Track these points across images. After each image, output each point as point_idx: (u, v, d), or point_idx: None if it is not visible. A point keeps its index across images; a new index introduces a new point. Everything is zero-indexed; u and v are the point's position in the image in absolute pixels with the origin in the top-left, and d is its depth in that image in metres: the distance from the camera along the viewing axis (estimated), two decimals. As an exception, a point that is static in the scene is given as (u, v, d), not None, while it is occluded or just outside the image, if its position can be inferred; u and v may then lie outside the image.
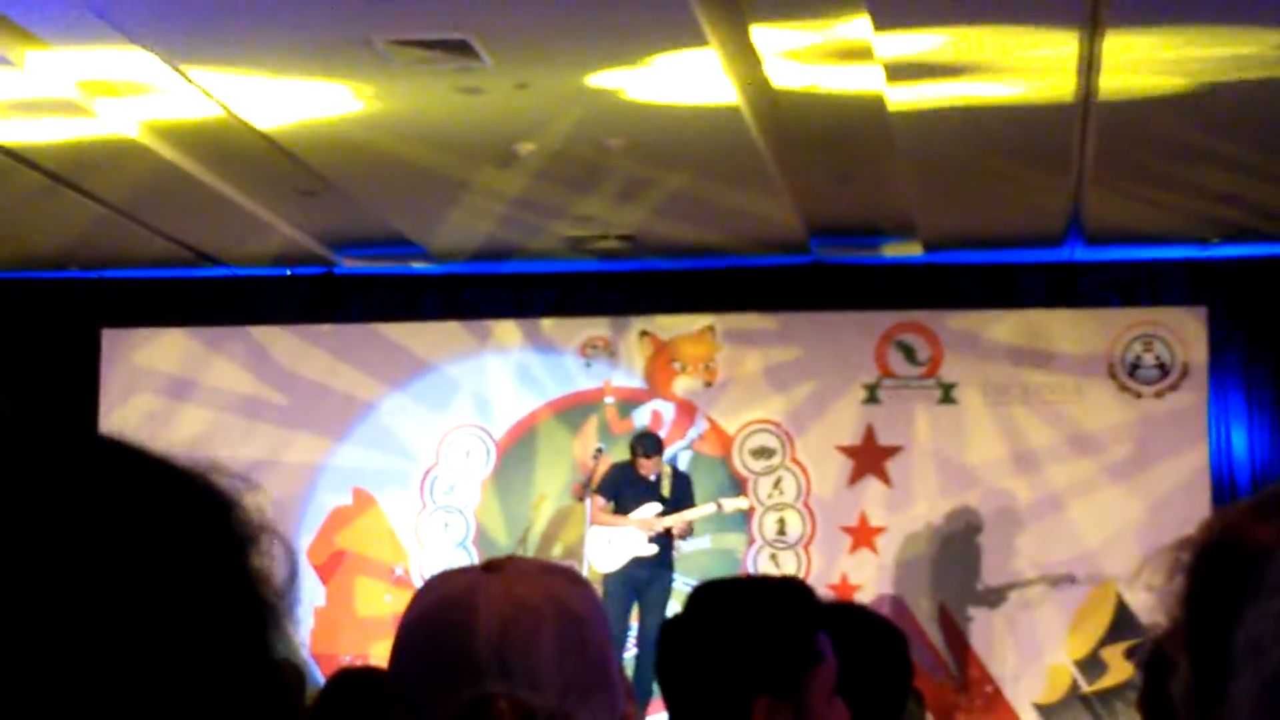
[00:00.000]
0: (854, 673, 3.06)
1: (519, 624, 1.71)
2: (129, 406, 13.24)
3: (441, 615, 1.75)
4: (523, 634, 1.71)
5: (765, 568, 12.37)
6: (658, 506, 11.50)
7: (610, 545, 11.43)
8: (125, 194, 11.26)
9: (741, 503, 12.12)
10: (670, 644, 2.59)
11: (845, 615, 3.42)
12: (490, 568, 1.78)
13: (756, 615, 2.54)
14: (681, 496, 11.61)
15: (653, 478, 11.57)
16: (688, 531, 11.59)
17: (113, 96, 9.41)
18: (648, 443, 11.73)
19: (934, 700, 11.95)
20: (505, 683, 1.70)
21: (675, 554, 11.69)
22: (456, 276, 13.16)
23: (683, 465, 12.67)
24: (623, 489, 11.57)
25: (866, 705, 3.18)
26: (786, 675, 2.49)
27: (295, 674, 6.98)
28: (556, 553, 12.46)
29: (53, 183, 10.88)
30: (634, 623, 11.50)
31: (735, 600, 2.60)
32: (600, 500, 11.60)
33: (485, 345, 13.12)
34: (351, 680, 4.47)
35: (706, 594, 2.65)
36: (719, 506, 11.78)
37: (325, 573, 13.03)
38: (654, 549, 11.43)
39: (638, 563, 11.39)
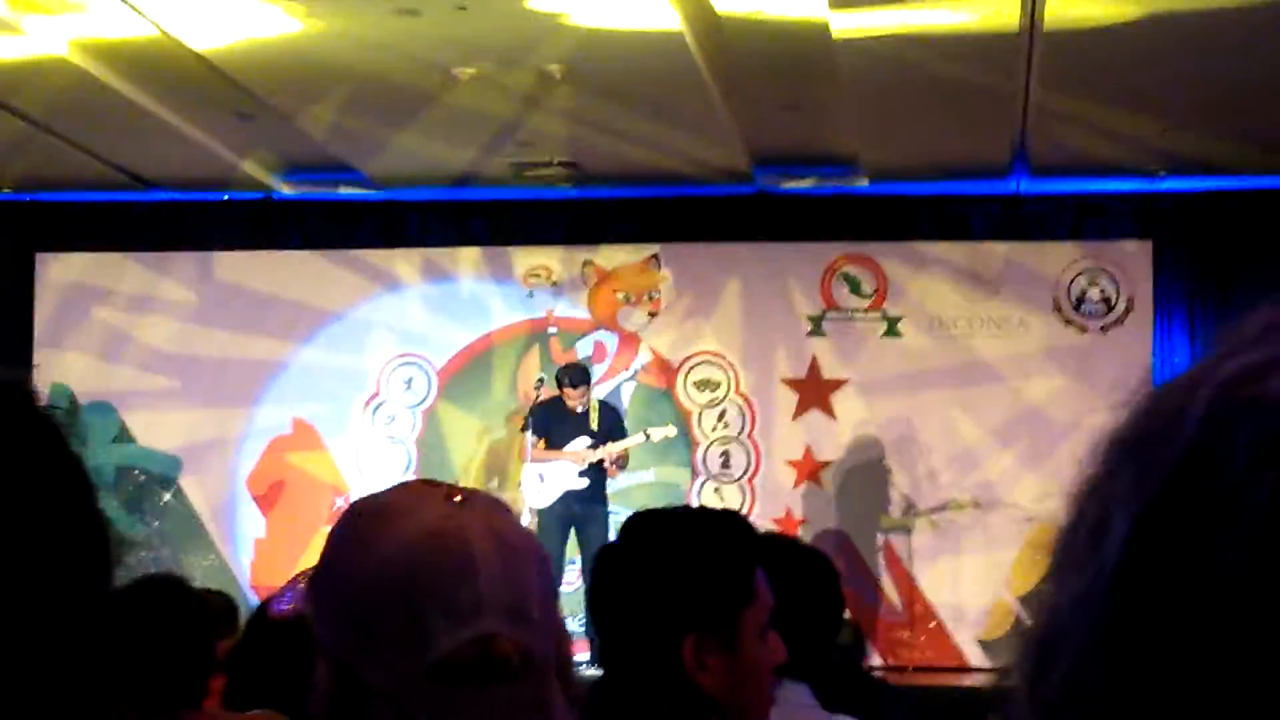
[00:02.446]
0: (785, 604, 2.99)
1: (513, 562, 1.66)
2: (62, 331, 13.10)
3: (433, 548, 1.66)
4: (517, 573, 1.66)
5: (709, 501, 12.31)
6: (587, 440, 11.44)
7: (543, 481, 11.37)
8: (57, 115, 11.08)
9: (670, 431, 12.03)
10: (602, 573, 2.50)
11: (776, 547, 3.35)
12: (456, 499, 1.70)
13: (692, 547, 2.45)
14: (611, 428, 11.55)
15: (580, 410, 11.50)
16: (622, 463, 11.53)
17: (43, 14, 9.22)
18: (574, 374, 11.67)
19: (878, 635, 11.97)
20: (504, 621, 1.64)
21: (610, 486, 11.64)
22: (397, 203, 13.03)
23: (626, 397, 12.61)
24: (552, 425, 11.50)
25: (797, 636, 3.11)
26: (719, 611, 2.41)
27: (226, 605, 6.89)
28: (495, 485, 12.38)
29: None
30: (576, 557, 11.44)
31: (671, 531, 2.51)
32: (531, 437, 11.52)
33: (426, 274, 13.01)
34: (272, 626, 4.36)
35: (642, 524, 2.55)
36: (647, 436, 11.73)
37: (265, 504, 12.95)
38: (586, 482, 11.37)
39: (571, 497, 11.33)
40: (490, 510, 1.70)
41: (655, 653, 2.37)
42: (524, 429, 11.61)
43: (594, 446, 11.42)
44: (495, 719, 1.61)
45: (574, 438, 11.45)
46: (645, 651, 2.38)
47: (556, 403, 11.56)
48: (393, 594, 1.64)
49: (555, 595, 1.74)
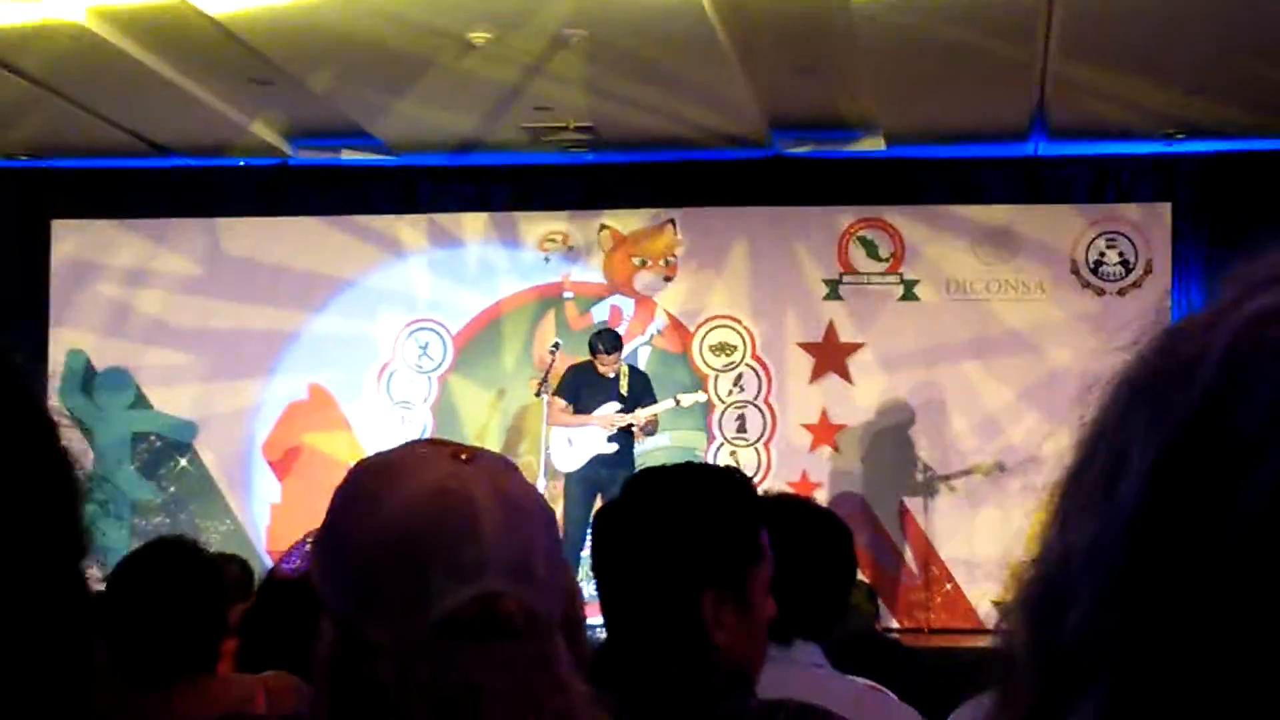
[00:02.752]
0: (798, 565, 2.98)
1: (518, 521, 1.65)
2: (78, 298, 13.11)
3: (437, 506, 1.65)
4: (522, 531, 1.65)
5: (725, 465, 12.29)
6: (617, 405, 11.41)
7: (571, 445, 11.35)
8: (74, 81, 11.07)
9: (700, 397, 12.05)
10: (609, 531, 2.49)
11: (788, 508, 3.34)
12: (465, 459, 1.69)
13: (705, 504, 2.44)
14: (641, 394, 11.51)
15: (611, 376, 11.46)
16: (651, 428, 11.51)
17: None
18: (607, 339, 11.61)
19: (893, 598, 11.97)
20: (508, 580, 1.63)
21: (637, 452, 11.63)
22: (412, 169, 13.01)
23: (642, 361, 12.60)
24: (581, 389, 11.47)
25: (808, 596, 3.10)
26: (733, 568, 2.40)
27: (240, 569, 6.91)
28: (521, 449, 12.39)
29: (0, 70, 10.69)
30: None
31: (681, 489, 2.49)
32: (560, 402, 11.49)
33: (442, 239, 13.00)
34: (282, 587, 4.36)
35: (648, 482, 2.53)
36: (677, 402, 11.69)
37: (281, 469, 12.96)
38: (614, 447, 11.34)
39: (599, 461, 11.30)
40: (496, 469, 1.69)
41: (669, 609, 2.36)
42: (548, 387, 11.56)
43: (623, 412, 11.39)
44: (498, 676, 1.60)
45: (603, 402, 11.42)
46: (658, 608, 2.37)
47: (587, 367, 11.52)
48: (396, 552, 1.63)
49: (562, 555, 1.72)
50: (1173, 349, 0.73)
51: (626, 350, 12.49)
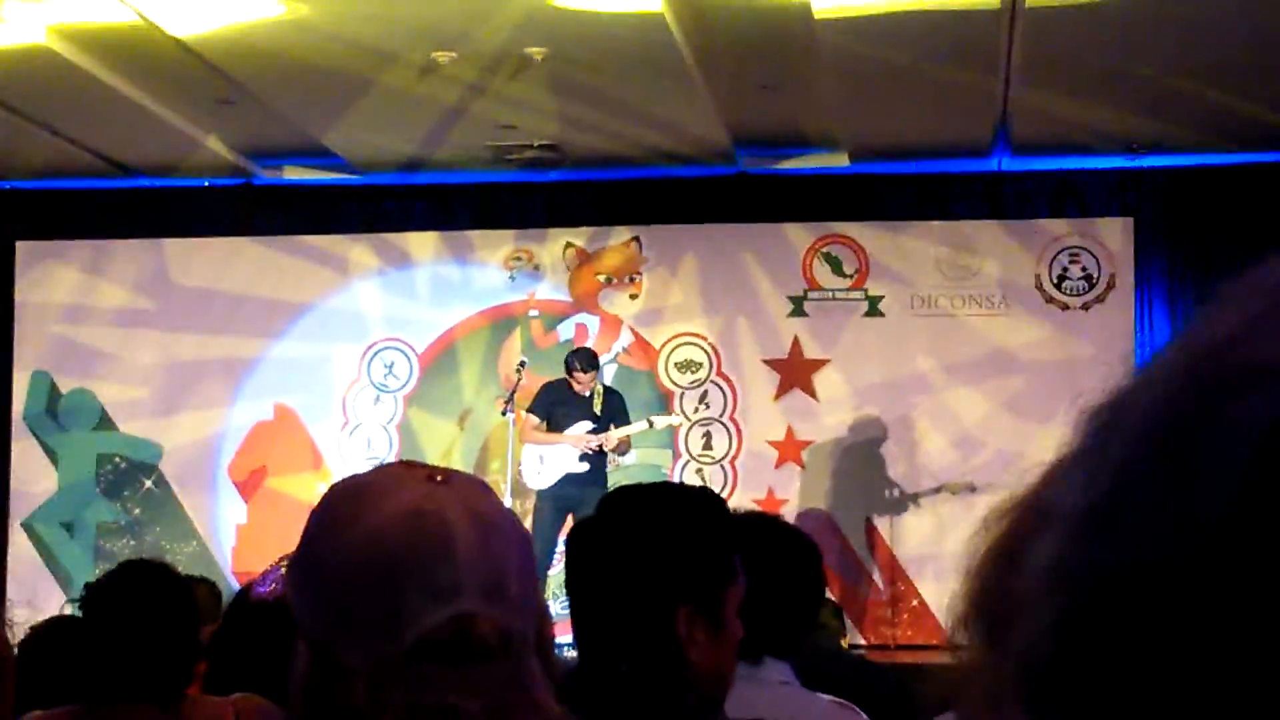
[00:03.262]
0: (766, 583, 2.99)
1: (492, 541, 1.65)
2: (44, 319, 13.06)
3: (411, 527, 1.64)
4: (496, 552, 1.65)
5: (692, 483, 12.30)
6: (589, 424, 11.40)
7: (542, 463, 11.33)
8: (36, 102, 11.05)
9: (674, 419, 12.05)
10: (583, 549, 2.49)
11: (758, 526, 3.35)
12: (439, 480, 1.69)
13: (682, 523, 2.45)
14: (614, 414, 11.49)
15: (585, 394, 11.45)
16: (624, 448, 11.50)
17: (20, 0, 9.18)
18: (584, 357, 11.59)
19: (859, 615, 11.98)
20: (482, 601, 1.63)
21: (610, 471, 11.62)
22: (377, 188, 13.00)
23: (608, 378, 12.60)
24: (554, 407, 11.44)
25: (777, 614, 3.11)
26: (708, 586, 2.41)
27: (210, 591, 6.89)
28: (492, 468, 12.37)
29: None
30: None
31: (657, 507, 2.50)
32: (534, 419, 11.47)
33: (407, 258, 12.99)
34: (253, 609, 4.36)
35: (624, 499, 2.54)
36: (650, 424, 11.70)
37: (246, 490, 12.93)
38: (586, 466, 11.32)
39: (570, 480, 11.27)
40: (470, 490, 1.69)
41: (644, 626, 2.36)
42: (514, 406, 11.55)
43: (595, 431, 11.38)
44: (473, 698, 1.60)
45: (576, 421, 11.40)
46: (632, 625, 2.37)
47: (560, 385, 11.49)
48: (370, 573, 1.63)
49: (535, 576, 1.72)
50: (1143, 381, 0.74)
51: (591, 368, 12.52)
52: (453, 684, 1.60)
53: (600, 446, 11.32)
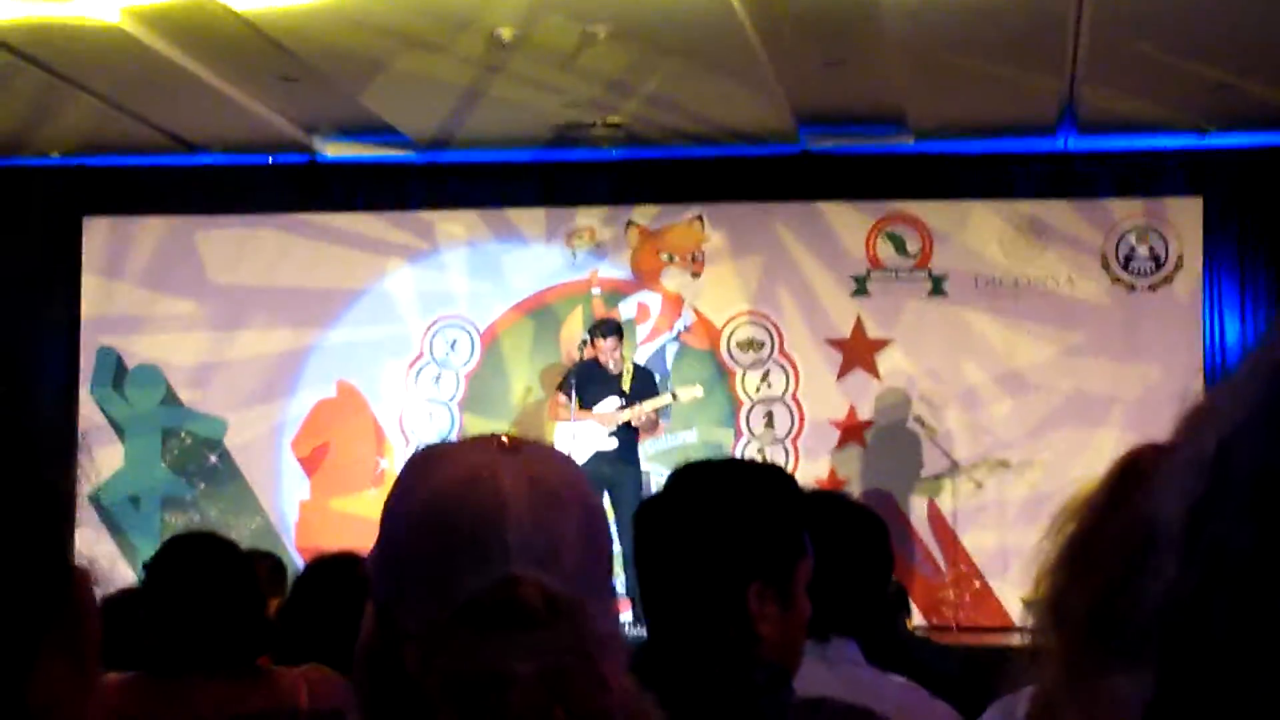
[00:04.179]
0: (834, 561, 2.98)
1: (548, 508, 1.64)
2: (110, 295, 13.15)
3: (465, 492, 1.65)
4: (551, 519, 1.63)
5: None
6: (618, 401, 11.41)
7: (574, 440, 11.34)
8: (106, 80, 11.12)
9: (696, 391, 11.95)
10: (651, 525, 2.47)
11: (826, 503, 3.34)
12: (506, 447, 1.69)
13: (752, 498, 2.44)
14: (643, 390, 11.50)
15: (614, 370, 11.46)
16: (651, 424, 11.50)
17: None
18: (604, 326, 11.63)
19: (922, 595, 11.94)
20: (532, 566, 1.62)
21: (653, 447, 11.61)
22: (440, 166, 13.02)
23: (669, 357, 12.60)
24: (584, 385, 11.45)
25: (846, 593, 3.10)
26: (780, 562, 2.40)
27: (273, 565, 6.92)
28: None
29: (34, 69, 10.73)
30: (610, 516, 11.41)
31: (727, 482, 2.49)
32: (562, 398, 11.51)
33: (469, 236, 13.00)
34: (328, 565, 4.39)
35: (692, 476, 2.53)
36: (674, 396, 11.70)
37: (309, 466, 12.98)
38: (615, 443, 11.34)
39: (601, 458, 11.28)
40: (537, 457, 1.68)
41: (715, 602, 2.36)
42: (559, 389, 11.61)
43: (624, 408, 11.39)
44: (520, 664, 1.58)
45: (605, 397, 11.43)
46: (703, 601, 2.36)
47: (591, 364, 11.53)
48: (423, 536, 1.64)
49: (603, 548, 1.70)
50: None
51: (654, 347, 12.50)
52: (500, 649, 1.59)
53: (629, 422, 11.33)
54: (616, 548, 10.16)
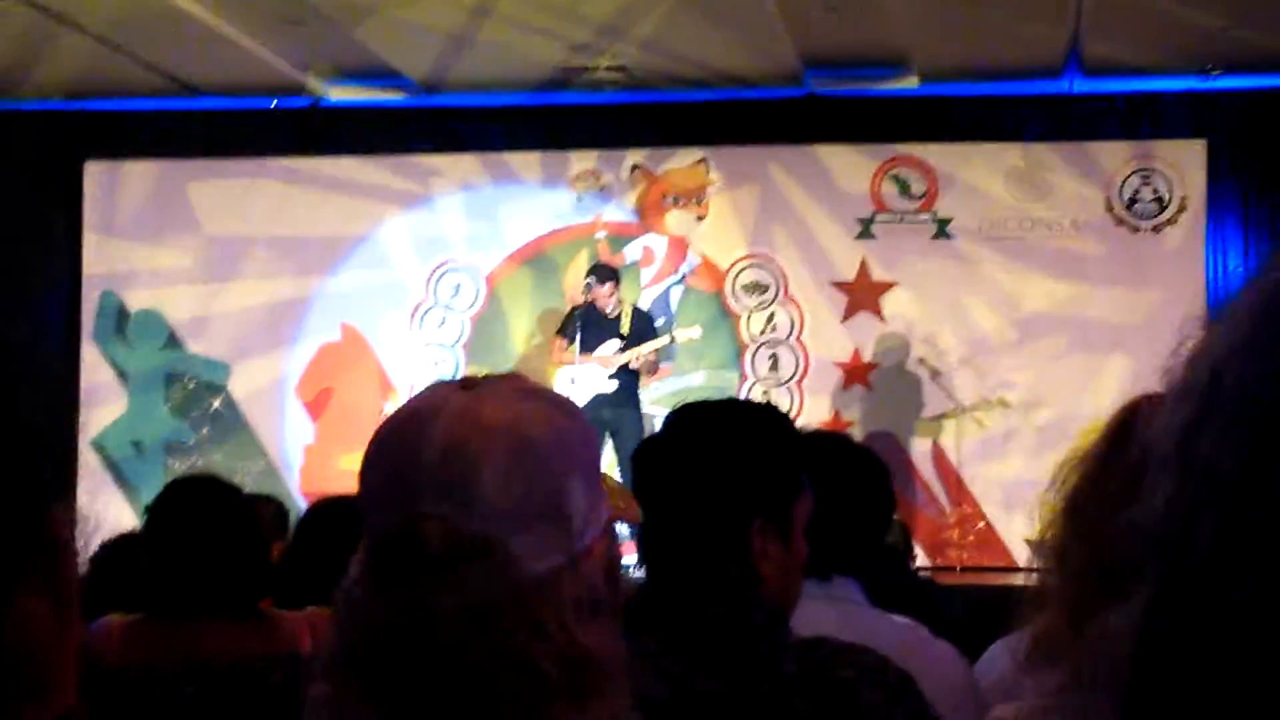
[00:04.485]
0: (837, 501, 2.98)
1: (467, 444, 1.60)
2: (111, 240, 13.13)
3: (399, 429, 1.65)
4: (467, 454, 1.59)
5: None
6: (618, 344, 11.41)
7: (573, 384, 11.34)
8: (107, 23, 11.08)
9: (694, 333, 11.95)
10: (651, 464, 2.47)
11: (828, 444, 3.34)
12: (466, 385, 1.67)
13: (751, 436, 2.44)
14: (643, 332, 11.51)
15: (613, 314, 11.46)
16: (651, 367, 11.50)
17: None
18: (601, 271, 11.62)
19: (926, 536, 11.96)
20: (440, 504, 1.59)
21: (658, 390, 11.60)
22: (445, 109, 12.98)
23: (674, 300, 12.59)
24: (585, 328, 11.44)
25: (847, 533, 3.10)
26: (780, 499, 2.41)
27: (276, 510, 6.94)
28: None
29: (27, 9, 10.69)
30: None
31: (725, 421, 2.48)
32: (562, 341, 11.51)
33: (474, 179, 12.98)
34: (331, 508, 4.40)
35: (691, 416, 2.52)
36: (672, 339, 11.71)
37: (314, 410, 12.99)
38: (615, 385, 11.34)
39: (602, 401, 11.28)
40: (489, 394, 1.65)
41: (718, 541, 2.36)
42: (559, 333, 11.62)
43: (623, 350, 11.39)
44: (432, 601, 1.57)
45: (605, 341, 11.43)
46: (705, 540, 2.36)
47: (590, 308, 11.52)
48: (363, 477, 1.65)
49: (544, 481, 1.61)
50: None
51: (659, 289, 12.49)
52: (409, 588, 1.58)
53: (628, 365, 11.33)
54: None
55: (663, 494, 2.40)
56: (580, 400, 11.12)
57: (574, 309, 11.64)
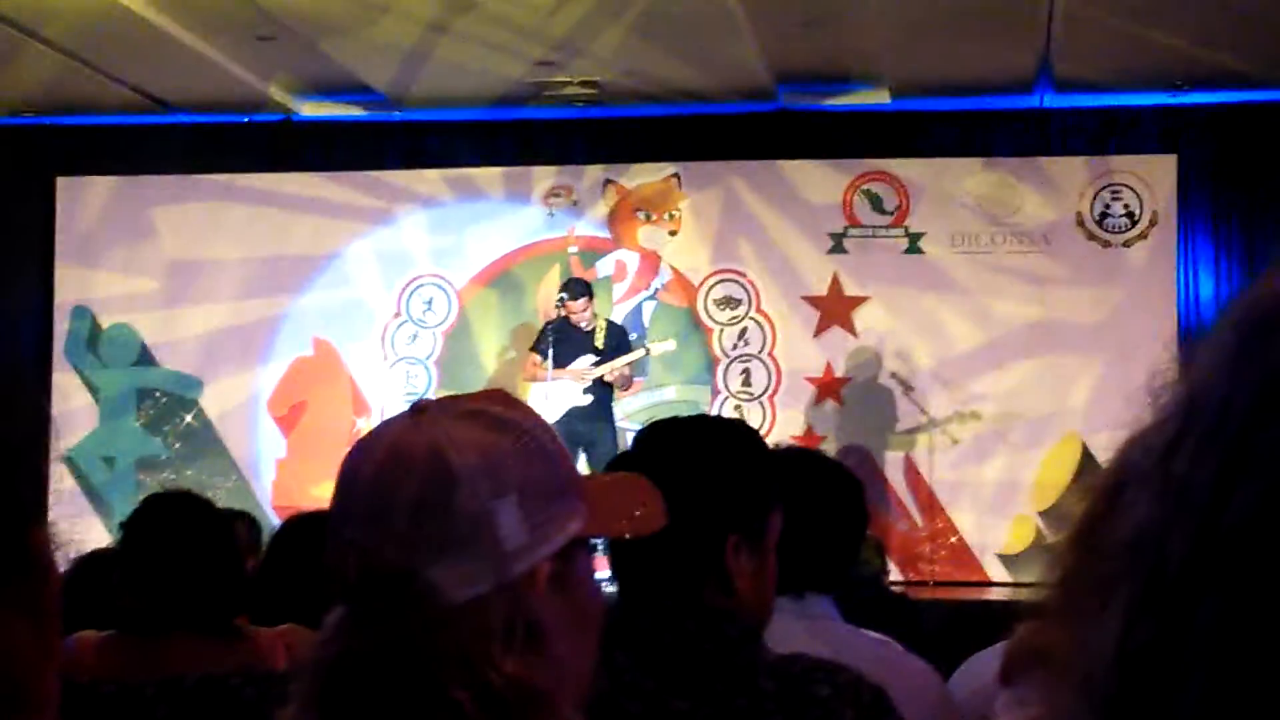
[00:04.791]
0: (809, 517, 2.98)
1: (388, 472, 1.59)
2: (82, 255, 13.10)
3: (350, 458, 1.65)
4: (388, 482, 1.59)
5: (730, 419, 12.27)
6: (593, 358, 11.40)
7: (547, 400, 11.34)
8: (80, 39, 11.05)
9: (669, 346, 11.94)
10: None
11: (800, 460, 3.34)
12: (415, 410, 1.66)
13: (726, 452, 2.43)
14: (617, 347, 11.49)
15: (587, 329, 11.45)
16: (624, 382, 11.49)
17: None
18: (575, 286, 11.59)
19: (899, 550, 11.98)
20: (360, 532, 1.59)
21: (631, 405, 11.60)
22: (417, 124, 12.98)
23: (647, 315, 12.60)
24: (559, 343, 11.42)
25: (820, 549, 3.11)
26: (754, 515, 2.40)
27: (249, 525, 6.92)
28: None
29: (7, 28, 10.67)
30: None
31: (700, 437, 2.48)
32: (535, 357, 11.48)
33: (447, 194, 12.98)
34: (304, 523, 4.39)
35: (661, 433, 2.52)
36: (647, 351, 11.71)
37: (286, 425, 12.97)
38: (589, 399, 11.33)
39: (575, 415, 11.27)
40: (430, 420, 1.63)
41: (691, 556, 2.35)
42: (532, 348, 11.61)
43: (597, 364, 11.38)
44: (350, 638, 1.58)
45: (579, 356, 11.42)
46: (678, 555, 2.35)
47: (563, 323, 11.51)
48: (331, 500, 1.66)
49: (460, 508, 1.57)
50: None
51: (631, 305, 12.49)
52: (338, 619, 1.60)
53: (603, 379, 11.32)
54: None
55: None
56: (554, 415, 11.11)
57: (547, 324, 11.62)
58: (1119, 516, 0.75)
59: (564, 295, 11.52)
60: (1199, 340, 0.78)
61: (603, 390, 11.39)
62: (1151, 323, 11.84)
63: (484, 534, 1.58)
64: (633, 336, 12.07)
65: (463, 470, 1.59)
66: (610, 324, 11.73)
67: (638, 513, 1.77)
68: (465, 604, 1.56)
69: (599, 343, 11.43)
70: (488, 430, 1.63)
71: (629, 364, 11.47)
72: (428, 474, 1.58)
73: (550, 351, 11.37)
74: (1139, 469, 0.75)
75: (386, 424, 1.67)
